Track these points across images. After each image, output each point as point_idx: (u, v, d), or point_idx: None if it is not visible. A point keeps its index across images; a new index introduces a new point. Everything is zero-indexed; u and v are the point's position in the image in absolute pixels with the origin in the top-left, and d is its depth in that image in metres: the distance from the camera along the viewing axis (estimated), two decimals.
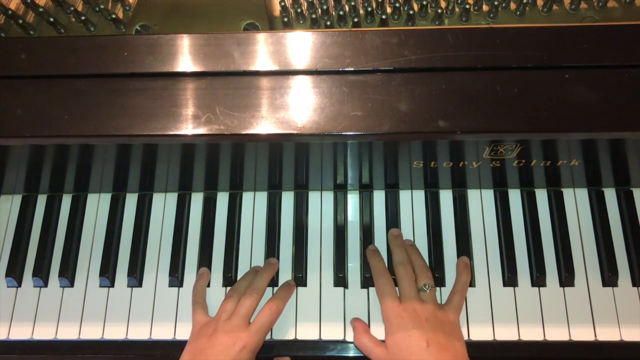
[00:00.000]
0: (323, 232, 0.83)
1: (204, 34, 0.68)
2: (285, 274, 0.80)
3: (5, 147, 0.71)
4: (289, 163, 0.77)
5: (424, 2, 0.74)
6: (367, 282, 0.79)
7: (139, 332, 0.78)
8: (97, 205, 0.86)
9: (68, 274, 0.81)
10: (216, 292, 0.80)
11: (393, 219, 0.83)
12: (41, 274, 0.81)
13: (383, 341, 0.72)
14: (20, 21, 0.73)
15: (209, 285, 0.80)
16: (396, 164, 0.77)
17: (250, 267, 0.81)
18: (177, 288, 0.80)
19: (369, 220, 0.83)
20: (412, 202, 0.84)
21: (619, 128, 0.64)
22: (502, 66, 0.66)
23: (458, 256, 0.80)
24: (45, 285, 0.82)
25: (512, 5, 0.75)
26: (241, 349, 0.69)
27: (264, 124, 0.64)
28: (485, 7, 0.75)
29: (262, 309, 0.74)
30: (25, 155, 0.74)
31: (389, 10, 0.75)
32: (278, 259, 0.81)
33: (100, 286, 0.81)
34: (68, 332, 0.78)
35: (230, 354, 0.69)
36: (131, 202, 0.86)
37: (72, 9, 0.76)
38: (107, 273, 0.80)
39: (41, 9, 0.75)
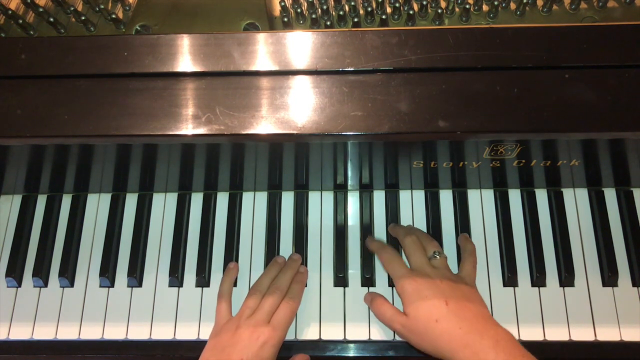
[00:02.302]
0: (323, 232, 0.83)
1: (204, 34, 0.68)
2: None
3: (5, 147, 0.71)
4: (289, 163, 0.77)
5: (424, 2, 0.74)
6: (367, 282, 0.79)
7: (139, 332, 0.78)
8: (97, 205, 0.86)
9: (68, 274, 0.81)
10: (216, 292, 0.79)
11: (393, 219, 0.83)
12: (41, 274, 0.81)
13: None
14: (20, 21, 0.73)
15: (208, 285, 0.80)
16: (396, 164, 0.77)
17: (265, 264, 0.81)
18: (177, 288, 0.80)
19: (369, 220, 0.83)
20: (412, 202, 0.84)
21: (619, 128, 0.64)
22: (502, 66, 0.66)
23: (458, 256, 0.80)
24: (45, 285, 0.82)
25: (512, 5, 0.75)
26: (263, 344, 0.70)
27: (264, 124, 0.64)
28: (485, 7, 0.75)
29: (280, 306, 0.74)
30: (25, 155, 0.74)
31: (389, 10, 0.75)
32: None
33: (100, 286, 0.81)
34: (68, 332, 0.78)
35: (252, 349, 0.69)
36: (131, 202, 0.86)
37: (72, 9, 0.76)
38: (107, 273, 0.80)
39: (41, 9, 0.75)
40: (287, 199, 0.85)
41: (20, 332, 0.79)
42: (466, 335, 0.65)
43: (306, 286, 0.79)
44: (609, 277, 0.77)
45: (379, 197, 0.85)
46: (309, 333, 0.77)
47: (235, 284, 0.80)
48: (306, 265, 0.81)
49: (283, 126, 0.64)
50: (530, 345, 0.75)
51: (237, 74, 0.67)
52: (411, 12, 0.74)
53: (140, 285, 0.81)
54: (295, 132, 0.64)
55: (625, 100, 0.64)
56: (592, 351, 0.75)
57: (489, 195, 0.84)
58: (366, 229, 0.82)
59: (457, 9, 0.75)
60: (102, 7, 0.76)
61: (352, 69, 0.66)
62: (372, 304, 0.75)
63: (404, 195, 0.85)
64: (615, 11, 0.74)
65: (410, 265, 0.74)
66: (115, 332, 0.78)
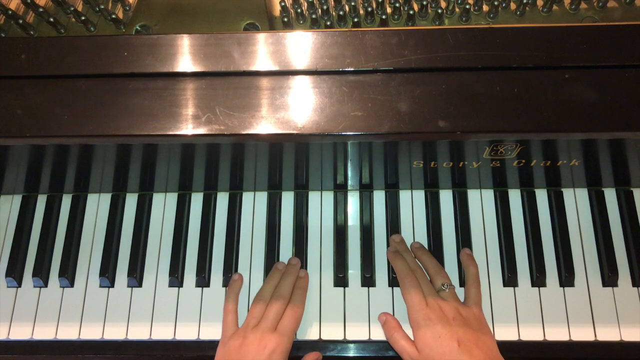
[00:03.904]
0: (323, 232, 0.83)
1: (204, 34, 0.68)
2: None
3: (5, 147, 0.71)
4: (289, 163, 0.77)
5: (424, 2, 0.74)
6: (367, 281, 0.79)
7: (139, 332, 0.78)
8: (97, 205, 0.86)
9: (68, 274, 0.81)
10: (216, 292, 0.80)
11: (393, 219, 0.83)
12: (41, 274, 0.81)
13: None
14: (20, 21, 0.73)
15: (208, 285, 0.80)
16: (396, 164, 0.77)
17: (265, 264, 0.81)
18: (177, 288, 0.80)
19: (369, 221, 0.83)
20: (412, 202, 0.84)
21: (619, 128, 0.64)
22: (502, 66, 0.66)
23: (458, 256, 0.80)
24: (45, 285, 0.82)
25: (512, 5, 0.75)
26: (271, 353, 0.70)
27: (264, 124, 0.64)
28: (485, 7, 0.75)
29: (285, 313, 0.74)
30: (25, 155, 0.74)
31: (389, 10, 0.75)
32: (278, 259, 0.81)
33: (100, 286, 0.81)
34: (68, 332, 0.78)
35: (261, 359, 0.69)
36: (131, 202, 0.86)
37: (72, 9, 0.76)
38: (107, 273, 0.80)
39: (41, 9, 0.75)
40: (287, 199, 0.85)
41: (20, 332, 0.79)
42: None
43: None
44: (609, 277, 0.77)
45: (379, 197, 0.85)
46: (309, 333, 0.77)
47: None
48: (306, 266, 0.81)
49: (283, 126, 0.64)
50: (530, 345, 0.75)
51: (237, 74, 0.67)
52: (411, 12, 0.74)
53: (140, 285, 0.81)
54: (295, 132, 0.64)
55: (625, 100, 0.64)
56: (592, 351, 0.75)
57: (489, 195, 0.84)
58: (366, 229, 0.82)
59: (457, 9, 0.75)
60: (102, 7, 0.76)
61: (352, 69, 0.66)
62: (385, 326, 0.75)
63: (404, 195, 0.85)
64: (615, 11, 0.74)
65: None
66: (115, 332, 0.78)
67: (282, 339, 0.71)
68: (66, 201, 0.86)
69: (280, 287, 0.76)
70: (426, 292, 0.73)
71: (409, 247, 0.81)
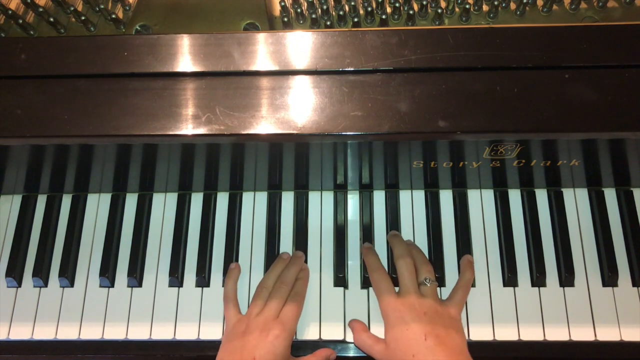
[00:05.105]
0: (323, 232, 0.83)
1: (204, 34, 0.68)
2: None
3: (5, 147, 0.71)
4: (289, 163, 0.77)
5: (424, 2, 0.74)
6: (367, 282, 0.79)
7: (139, 332, 0.78)
8: (97, 205, 0.86)
9: (68, 274, 0.81)
10: (216, 292, 0.80)
11: (393, 219, 0.83)
12: (41, 274, 0.81)
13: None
14: (20, 21, 0.73)
15: (208, 286, 0.80)
16: (396, 164, 0.77)
17: (266, 264, 0.81)
18: (177, 288, 0.80)
19: (369, 221, 0.83)
20: (412, 202, 0.84)
21: (619, 128, 0.64)
22: (502, 66, 0.66)
23: (458, 256, 0.80)
24: (45, 285, 0.82)
25: (512, 5, 0.75)
26: (274, 339, 0.70)
27: (264, 124, 0.65)
28: (485, 7, 0.75)
29: (287, 302, 0.74)
30: (25, 155, 0.74)
31: (389, 10, 0.75)
32: None
33: (100, 286, 0.81)
34: (68, 332, 0.78)
35: (264, 346, 0.69)
36: (131, 202, 0.86)
37: (72, 9, 0.76)
38: (107, 273, 0.80)
39: (41, 9, 0.75)
40: (287, 199, 0.85)
41: (20, 332, 0.79)
42: None
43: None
44: (609, 277, 0.77)
45: (379, 197, 0.85)
46: (309, 333, 0.77)
47: None
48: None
49: (283, 126, 0.64)
50: (530, 345, 0.76)
51: (237, 74, 0.67)
52: (411, 12, 0.74)
53: (140, 285, 0.81)
54: (295, 132, 0.64)
55: (625, 100, 0.64)
56: (592, 351, 0.75)
57: (489, 195, 0.84)
58: (366, 229, 0.82)
59: (457, 9, 0.75)
60: (102, 7, 0.76)
61: (352, 69, 0.66)
62: (353, 331, 0.75)
63: (404, 195, 0.85)
64: (615, 11, 0.74)
65: (400, 288, 0.74)
66: (115, 332, 0.78)
67: (285, 326, 0.71)
68: (66, 201, 0.86)
69: (285, 275, 0.77)
70: (406, 284, 0.73)
71: None
